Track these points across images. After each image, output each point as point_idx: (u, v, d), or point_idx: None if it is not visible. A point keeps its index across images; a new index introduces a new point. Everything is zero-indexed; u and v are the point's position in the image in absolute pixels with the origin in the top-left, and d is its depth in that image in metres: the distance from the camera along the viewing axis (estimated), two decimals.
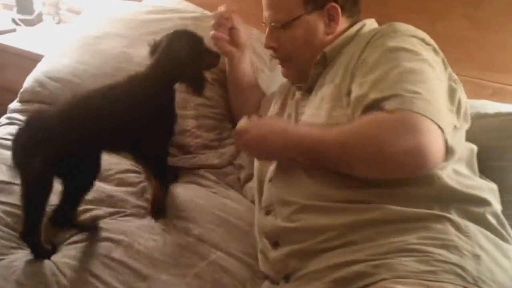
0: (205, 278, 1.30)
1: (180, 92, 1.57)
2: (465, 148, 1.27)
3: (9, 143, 1.38)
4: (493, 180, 1.27)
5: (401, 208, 1.08)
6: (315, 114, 1.30)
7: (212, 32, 1.65)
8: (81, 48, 1.96)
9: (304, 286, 1.12)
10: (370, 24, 1.43)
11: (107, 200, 1.53)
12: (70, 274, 1.26)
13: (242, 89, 1.77)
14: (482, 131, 1.39)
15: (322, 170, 1.20)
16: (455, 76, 1.25)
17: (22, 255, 1.31)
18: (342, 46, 1.37)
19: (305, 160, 1.22)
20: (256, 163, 1.50)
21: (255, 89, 1.81)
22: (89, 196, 1.47)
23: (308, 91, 1.43)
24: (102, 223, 1.44)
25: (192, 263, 1.33)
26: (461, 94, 1.24)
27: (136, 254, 1.32)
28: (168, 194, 1.55)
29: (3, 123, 1.85)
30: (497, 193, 1.23)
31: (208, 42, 1.59)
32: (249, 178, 1.69)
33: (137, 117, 1.39)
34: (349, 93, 1.22)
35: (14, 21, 2.58)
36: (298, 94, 1.49)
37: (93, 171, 1.41)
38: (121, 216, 1.48)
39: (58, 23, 2.68)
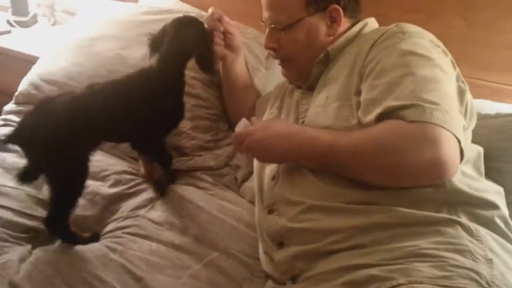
0: (201, 279, 1.29)
1: None
2: (472, 150, 1.27)
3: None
4: (493, 181, 1.26)
5: (411, 211, 1.08)
6: (320, 112, 1.30)
7: None
8: (76, 50, 1.96)
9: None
10: (372, 23, 1.43)
11: (102, 202, 1.53)
12: (67, 273, 1.26)
13: (236, 90, 1.77)
14: (482, 132, 1.39)
15: (328, 171, 1.19)
16: (462, 77, 1.25)
17: (16, 254, 1.30)
18: (345, 45, 1.37)
19: (312, 164, 1.22)
20: (256, 161, 1.49)
21: (250, 90, 1.81)
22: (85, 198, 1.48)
23: (309, 89, 1.42)
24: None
25: (188, 264, 1.33)
26: (468, 94, 1.24)
27: (132, 257, 1.32)
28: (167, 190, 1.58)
29: None
30: (503, 195, 1.23)
31: None
32: (246, 178, 1.69)
33: (152, 109, 1.42)
34: (358, 93, 1.22)
35: (9, 22, 2.57)
36: (297, 93, 1.48)
37: (84, 172, 1.40)
38: (118, 221, 1.48)
39: (53, 24, 2.67)
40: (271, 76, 1.97)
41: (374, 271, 1.02)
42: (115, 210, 1.52)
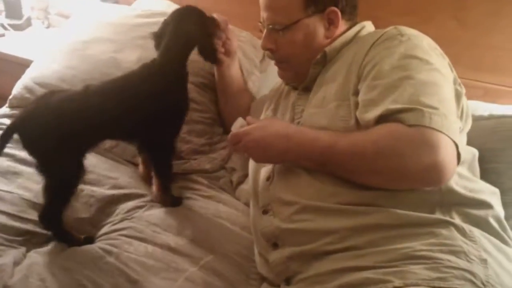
0: (197, 281, 1.29)
1: None
2: (467, 151, 1.27)
3: None
4: (488, 182, 1.27)
5: (405, 212, 1.08)
6: (316, 113, 1.30)
7: None
8: (69, 53, 1.95)
9: None
10: (369, 26, 1.44)
11: (97, 204, 1.53)
12: (62, 276, 1.25)
13: (231, 94, 1.77)
14: (476, 134, 1.39)
15: (324, 171, 1.20)
16: (459, 80, 1.26)
17: (11, 258, 1.30)
18: (342, 46, 1.38)
19: (310, 165, 1.22)
20: (251, 162, 1.49)
21: (245, 93, 1.81)
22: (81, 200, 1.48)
23: (305, 90, 1.42)
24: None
25: (184, 267, 1.32)
26: (464, 97, 1.25)
27: (127, 259, 1.32)
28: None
29: None
30: (499, 196, 1.24)
31: None
32: (241, 180, 1.70)
33: (154, 104, 1.42)
34: (356, 93, 1.22)
35: (2, 26, 2.56)
36: (294, 95, 1.48)
37: (81, 167, 1.40)
38: (114, 223, 1.48)
39: (47, 27, 2.66)
40: (265, 80, 1.97)
41: (369, 273, 1.02)
42: (111, 212, 1.52)
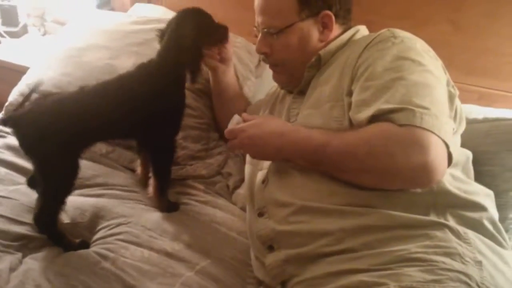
0: (193, 286, 1.29)
1: None
2: (461, 153, 1.28)
3: None
4: (482, 185, 1.27)
5: (400, 213, 1.09)
6: (311, 114, 1.30)
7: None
8: (65, 60, 1.95)
9: None
10: (363, 30, 1.45)
11: (90, 210, 1.52)
12: (58, 281, 1.25)
13: (226, 100, 1.78)
14: (470, 136, 1.40)
15: (318, 171, 1.20)
16: (452, 82, 1.26)
17: (7, 263, 1.29)
18: (337, 50, 1.39)
19: (305, 163, 1.23)
20: (247, 166, 1.50)
21: (240, 98, 1.82)
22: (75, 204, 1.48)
23: (300, 94, 1.43)
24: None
25: (180, 272, 1.32)
26: (457, 99, 1.26)
27: (123, 264, 1.32)
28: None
29: None
30: (493, 198, 1.24)
31: None
32: (237, 185, 1.70)
33: (151, 104, 1.42)
34: (349, 93, 1.23)
35: None
36: (289, 98, 1.49)
37: (76, 167, 1.40)
38: (110, 228, 1.47)
39: (43, 34, 2.67)
40: (261, 85, 1.98)
41: (364, 276, 1.02)
42: (107, 217, 1.51)
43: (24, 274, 1.26)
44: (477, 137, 1.47)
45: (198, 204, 1.61)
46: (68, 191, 1.39)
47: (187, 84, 1.52)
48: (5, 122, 1.33)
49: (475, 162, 1.32)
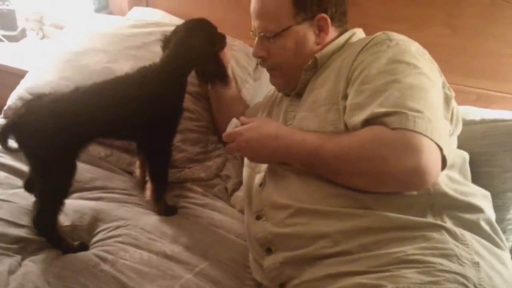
0: None
1: None
2: (458, 155, 1.28)
3: None
4: (480, 186, 1.27)
5: (397, 215, 1.09)
6: (307, 117, 1.31)
7: None
8: (63, 64, 1.95)
9: None
10: (359, 33, 1.45)
11: (90, 213, 1.52)
12: (57, 284, 1.25)
13: (225, 103, 1.78)
14: (468, 138, 1.42)
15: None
16: (447, 84, 1.26)
17: (5, 266, 1.29)
18: (333, 53, 1.39)
19: (300, 166, 1.23)
20: (245, 168, 1.50)
21: (238, 102, 1.82)
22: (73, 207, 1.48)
23: (297, 97, 1.44)
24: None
25: (179, 274, 1.32)
26: (453, 100, 1.26)
27: (122, 266, 1.32)
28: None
29: None
30: (490, 199, 1.24)
31: None
32: (236, 188, 1.71)
33: (149, 107, 1.43)
34: (345, 97, 1.23)
35: None
36: (286, 101, 1.50)
37: (73, 167, 1.41)
38: (109, 230, 1.47)
39: (42, 38, 2.67)
40: (259, 87, 1.99)
41: (361, 279, 1.02)
42: (106, 220, 1.50)
43: (23, 276, 1.26)
44: (474, 139, 1.48)
45: (197, 207, 1.61)
46: (66, 191, 1.40)
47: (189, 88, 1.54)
48: (7, 128, 1.33)
49: (472, 163, 1.32)
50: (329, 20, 1.39)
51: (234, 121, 1.40)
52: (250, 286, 1.35)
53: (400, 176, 1.07)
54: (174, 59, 1.48)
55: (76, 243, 1.41)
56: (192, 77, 1.56)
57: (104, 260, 1.33)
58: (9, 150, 1.37)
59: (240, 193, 1.66)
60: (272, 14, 1.40)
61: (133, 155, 1.74)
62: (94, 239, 1.45)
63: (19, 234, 1.40)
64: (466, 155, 1.31)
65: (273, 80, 1.54)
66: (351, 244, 1.09)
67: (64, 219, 1.45)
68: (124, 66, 1.82)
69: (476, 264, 1.02)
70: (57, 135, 1.30)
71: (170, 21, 2.18)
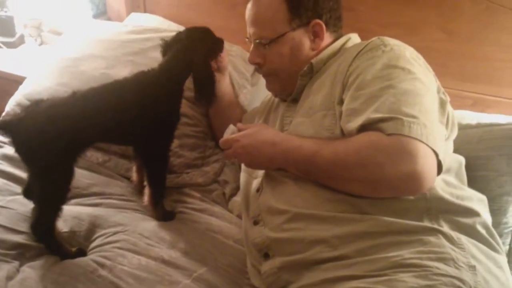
0: None
1: None
2: (454, 159, 1.29)
3: None
4: (476, 190, 1.28)
5: (393, 219, 1.09)
6: (303, 122, 1.31)
7: None
8: (61, 70, 1.96)
9: None
10: (354, 38, 1.45)
11: (87, 219, 1.52)
12: None
13: (222, 108, 1.79)
14: (464, 142, 1.42)
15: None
16: (442, 88, 1.27)
17: (4, 272, 1.29)
18: (329, 58, 1.39)
19: (297, 172, 1.24)
20: (242, 174, 1.50)
21: (236, 107, 1.83)
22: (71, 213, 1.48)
23: (294, 102, 1.44)
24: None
25: (177, 280, 1.32)
26: (449, 105, 1.26)
27: (120, 272, 1.32)
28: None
29: None
30: (486, 203, 1.25)
31: None
32: (234, 193, 1.71)
33: (146, 112, 1.44)
34: (340, 102, 1.23)
35: None
36: (282, 107, 1.50)
37: (71, 172, 1.41)
38: (107, 236, 1.48)
39: (40, 45, 2.67)
40: (257, 93, 1.99)
41: (359, 283, 1.03)
42: (103, 226, 1.51)
43: (21, 282, 1.26)
44: (470, 143, 1.48)
45: (195, 212, 1.62)
46: (64, 197, 1.40)
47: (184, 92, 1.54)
48: (1, 128, 1.33)
49: (468, 168, 1.33)
50: (324, 26, 1.39)
51: (231, 127, 1.41)
52: None
53: (396, 182, 1.07)
54: (173, 66, 1.49)
55: (74, 249, 1.41)
56: (189, 82, 1.56)
57: (102, 265, 1.33)
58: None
59: (238, 198, 1.66)
60: (267, 21, 1.41)
61: (131, 161, 1.75)
62: (92, 245, 1.45)
63: (17, 240, 1.40)
64: (462, 159, 1.32)
65: (269, 86, 1.55)
66: (348, 248, 1.09)
67: (62, 225, 1.45)
68: (122, 72, 1.82)
69: (473, 268, 1.02)
70: (55, 140, 1.31)
71: (168, 27, 2.19)
